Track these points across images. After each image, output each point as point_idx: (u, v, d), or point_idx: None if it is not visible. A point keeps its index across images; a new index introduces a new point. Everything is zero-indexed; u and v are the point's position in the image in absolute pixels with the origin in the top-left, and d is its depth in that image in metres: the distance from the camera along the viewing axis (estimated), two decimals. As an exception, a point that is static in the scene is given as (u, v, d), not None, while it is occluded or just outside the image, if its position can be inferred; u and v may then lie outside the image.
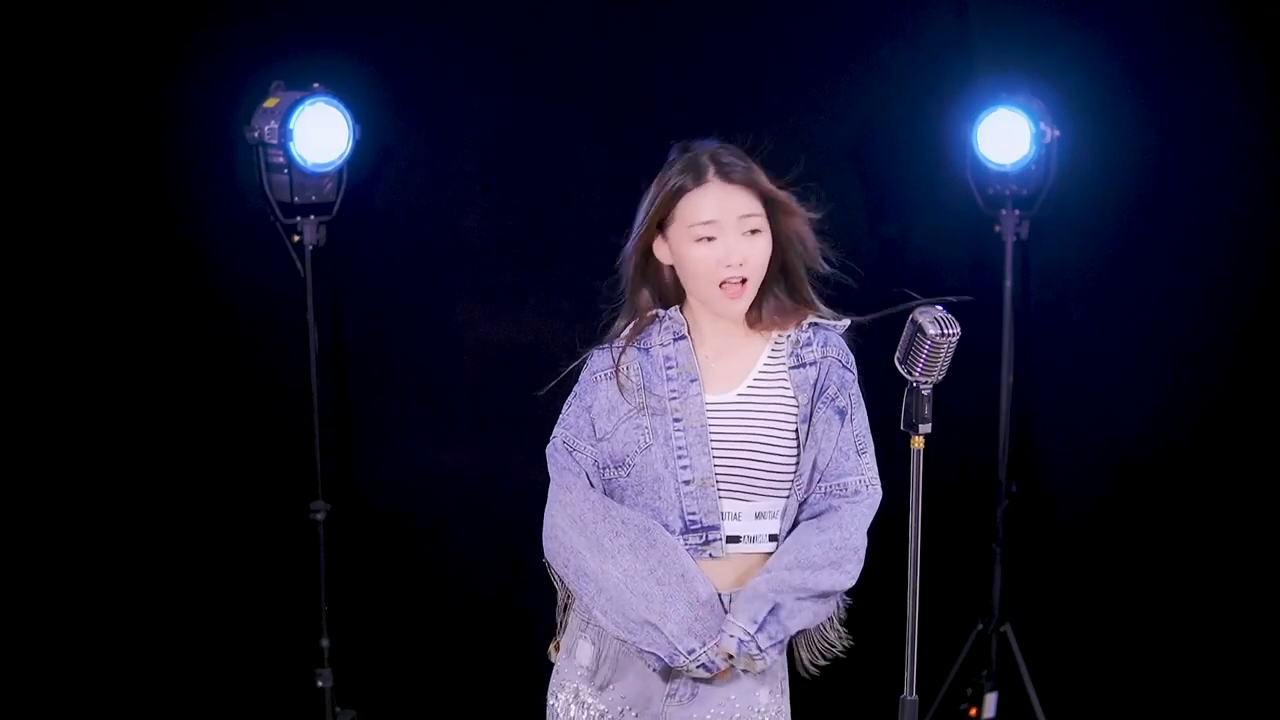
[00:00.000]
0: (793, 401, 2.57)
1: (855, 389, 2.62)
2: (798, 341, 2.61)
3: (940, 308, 2.29)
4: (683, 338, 2.59)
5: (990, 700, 4.50)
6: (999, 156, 4.28)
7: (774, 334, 2.61)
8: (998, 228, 4.41)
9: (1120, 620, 4.49)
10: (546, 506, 2.61)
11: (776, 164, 2.68)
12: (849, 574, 2.54)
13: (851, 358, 2.64)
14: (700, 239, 2.52)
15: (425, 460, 4.27)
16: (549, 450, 2.64)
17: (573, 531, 2.54)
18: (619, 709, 2.58)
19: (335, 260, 4.05)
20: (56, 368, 3.79)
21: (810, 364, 2.59)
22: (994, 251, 4.44)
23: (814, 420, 2.56)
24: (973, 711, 4.52)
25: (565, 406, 2.65)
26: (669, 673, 2.53)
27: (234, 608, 4.04)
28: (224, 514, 4.02)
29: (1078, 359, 4.56)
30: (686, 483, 2.52)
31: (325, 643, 4.04)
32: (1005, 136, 4.25)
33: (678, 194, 2.54)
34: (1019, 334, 4.46)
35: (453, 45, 4.15)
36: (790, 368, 2.59)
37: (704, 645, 2.46)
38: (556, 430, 2.64)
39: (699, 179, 2.53)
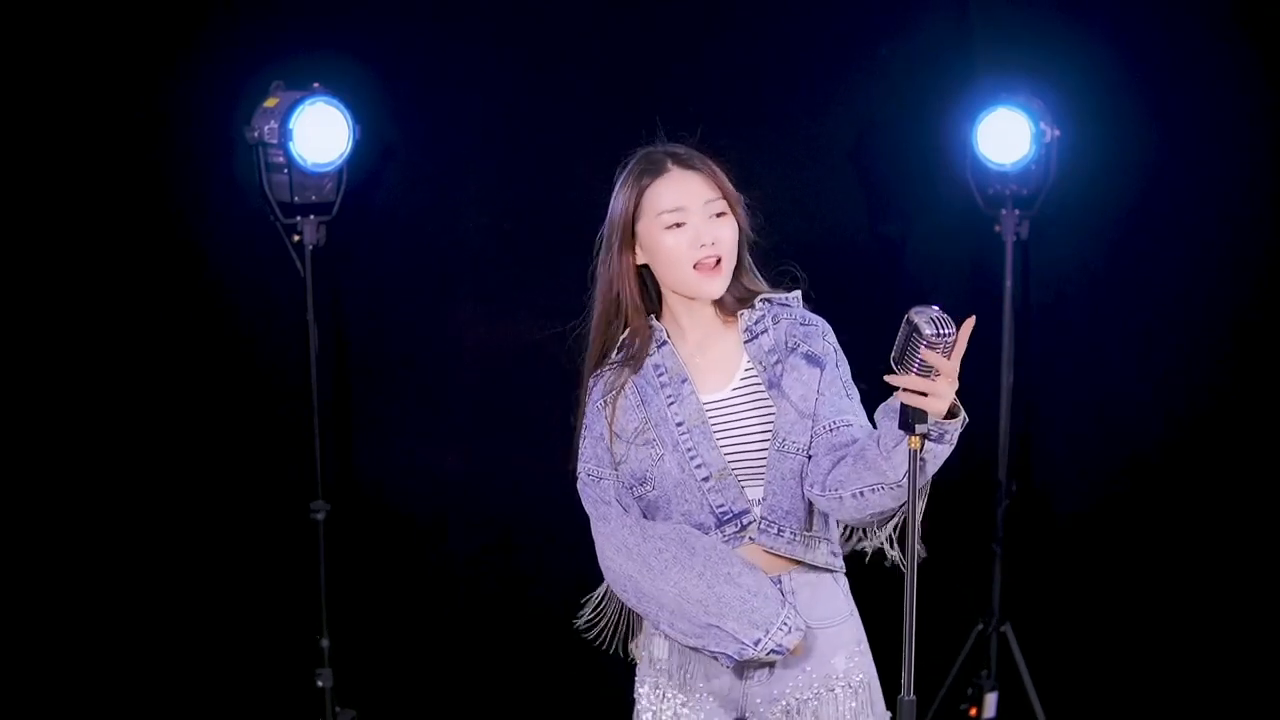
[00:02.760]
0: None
1: (826, 342, 2.62)
2: (749, 319, 2.64)
3: (936, 308, 2.28)
4: (665, 343, 2.64)
5: (990, 700, 4.50)
6: (999, 156, 4.28)
7: (739, 322, 2.64)
8: (998, 228, 4.41)
9: (1120, 620, 4.49)
10: (595, 541, 2.63)
11: (776, 164, 2.69)
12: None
13: (814, 316, 2.65)
14: (669, 226, 2.56)
15: (425, 460, 4.27)
16: (579, 486, 2.66)
17: (620, 559, 2.57)
18: (698, 697, 2.61)
19: (335, 260, 4.04)
20: (57, 367, 3.79)
21: (763, 332, 2.62)
22: (994, 251, 4.44)
23: (784, 370, 2.57)
24: (973, 711, 4.52)
25: (579, 440, 2.67)
26: (744, 665, 2.54)
27: (234, 607, 4.03)
28: (224, 514, 4.02)
29: (1077, 359, 4.56)
30: (705, 479, 2.56)
31: (325, 643, 4.04)
32: (1005, 136, 4.26)
33: (641, 191, 2.59)
34: (1019, 334, 4.46)
35: (453, 45, 4.15)
36: (744, 342, 2.62)
37: (768, 633, 2.47)
38: (579, 465, 2.66)
39: (658, 171, 2.60)
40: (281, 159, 3.79)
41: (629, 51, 4.24)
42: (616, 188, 2.64)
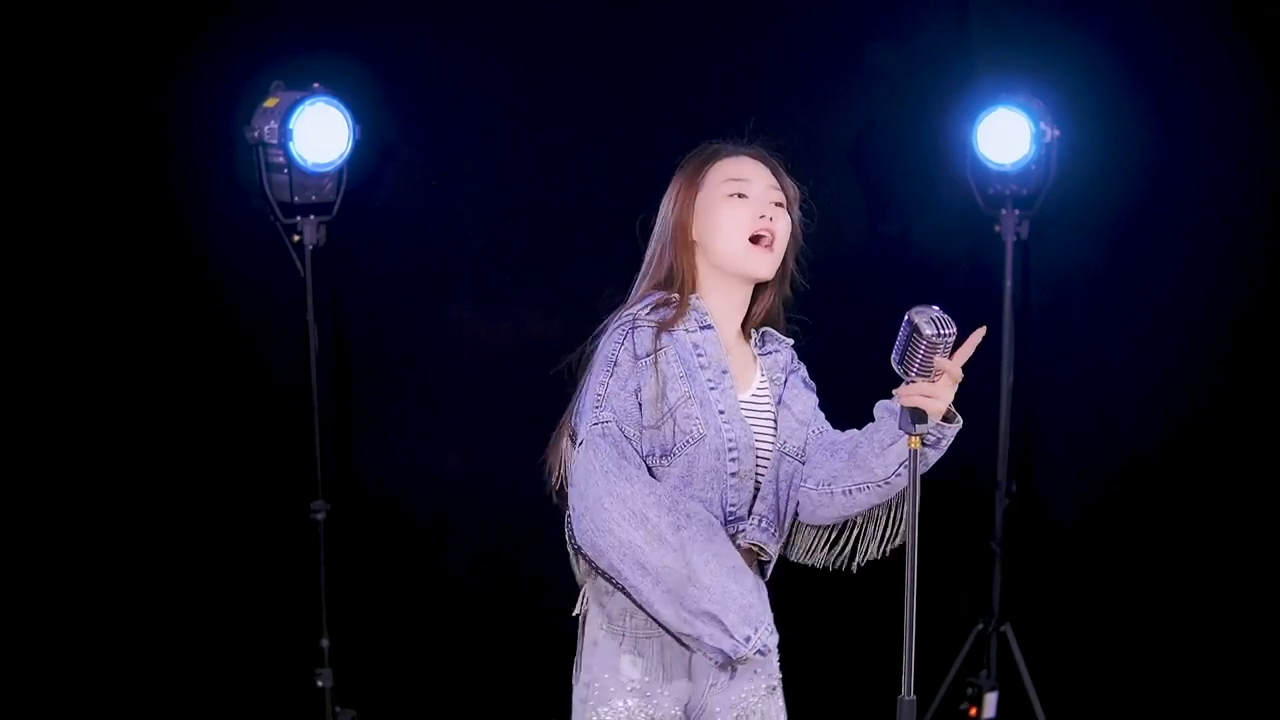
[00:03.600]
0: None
1: (810, 381, 2.73)
2: (757, 337, 2.69)
3: (936, 308, 2.29)
4: (709, 327, 2.58)
5: (990, 700, 4.50)
6: (999, 156, 4.29)
7: (751, 338, 2.69)
8: (998, 228, 4.42)
9: (1120, 619, 4.49)
10: (589, 495, 2.43)
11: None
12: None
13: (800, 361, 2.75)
14: (732, 194, 2.57)
15: (425, 460, 4.27)
16: (593, 435, 2.46)
17: (629, 526, 2.40)
18: (665, 710, 2.57)
19: (335, 260, 4.04)
20: (57, 368, 3.79)
21: (774, 350, 2.68)
22: (994, 251, 4.44)
23: (785, 388, 2.65)
24: (973, 711, 4.52)
25: (600, 386, 2.49)
26: (723, 665, 2.53)
27: (234, 608, 4.03)
28: (224, 514, 4.02)
29: (1077, 359, 4.56)
30: (733, 474, 2.54)
31: (325, 643, 4.04)
32: (1005, 136, 4.26)
33: (712, 156, 2.62)
34: (1019, 334, 4.46)
35: (453, 45, 4.15)
36: (759, 355, 2.66)
37: (757, 631, 2.43)
38: (600, 414, 2.47)
39: (731, 152, 2.63)
40: (281, 159, 3.79)
41: (629, 51, 4.24)
42: (681, 173, 2.65)
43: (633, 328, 2.51)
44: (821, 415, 2.68)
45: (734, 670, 2.56)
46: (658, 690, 2.56)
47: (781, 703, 2.68)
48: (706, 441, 2.51)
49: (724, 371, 2.56)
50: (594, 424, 2.47)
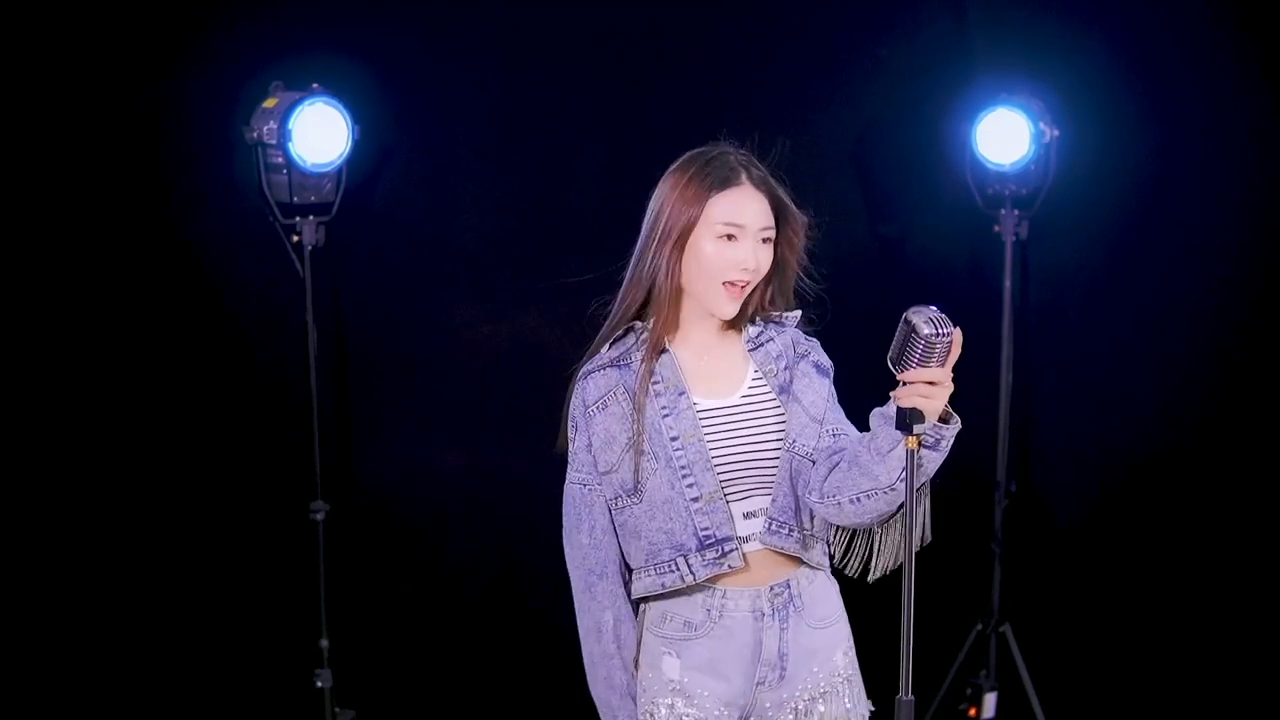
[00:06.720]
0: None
1: (825, 356, 2.66)
2: (751, 331, 2.64)
3: (934, 308, 2.28)
4: (664, 350, 2.60)
5: (990, 700, 4.51)
6: (998, 156, 4.29)
7: (743, 334, 2.65)
8: (997, 228, 4.42)
9: (1119, 620, 4.49)
10: (565, 536, 2.66)
11: (776, 164, 2.69)
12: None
13: (810, 337, 2.68)
14: (723, 236, 2.52)
15: (425, 460, 4.27)
16: (567, 488, 2.64)
17: (572, 574, 2.67)
18: (713, 711, 2.59)
19: (335, 260, 4.04)
20: (56, 368, 3.79)
21: (768, 340, 2.63)
22: (994, 251, 4.44)
23: (794, 375, 2.59)
24: (972, 711, 4.52)
25: (570, 443, 2.64)
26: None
27: (234, 608, 4.04)
28: (224, 514, 4.02)
29: (1077, 359, 4.56)
30: (695, 500, 2.53)
31: (325, 643, 4.04)
32: (1005, 136, 4.26)
33: (709, 197, 2.53)
34: (1018, 334, 4.46)
35: (452, 45, 4.15)
36: (749, 350, 2.62)
37: None
38: (570, 471, 2.64)
39: (733, 179, 2.54)
40: (281, 159, 3.79)
41: (629, 51, 4.24)
42: (679, 182, 2.56)
43: (583, 378, 2.62)
44: (838, 410, 2.60)
45: (781, 671, 2.58)
46: (699, 691, 2.58)
47: (846, 700, 2.64)
48: (659, 474, 2.53)
49: (681, 394, 2.56)
50: (569, 480, 2.65)
